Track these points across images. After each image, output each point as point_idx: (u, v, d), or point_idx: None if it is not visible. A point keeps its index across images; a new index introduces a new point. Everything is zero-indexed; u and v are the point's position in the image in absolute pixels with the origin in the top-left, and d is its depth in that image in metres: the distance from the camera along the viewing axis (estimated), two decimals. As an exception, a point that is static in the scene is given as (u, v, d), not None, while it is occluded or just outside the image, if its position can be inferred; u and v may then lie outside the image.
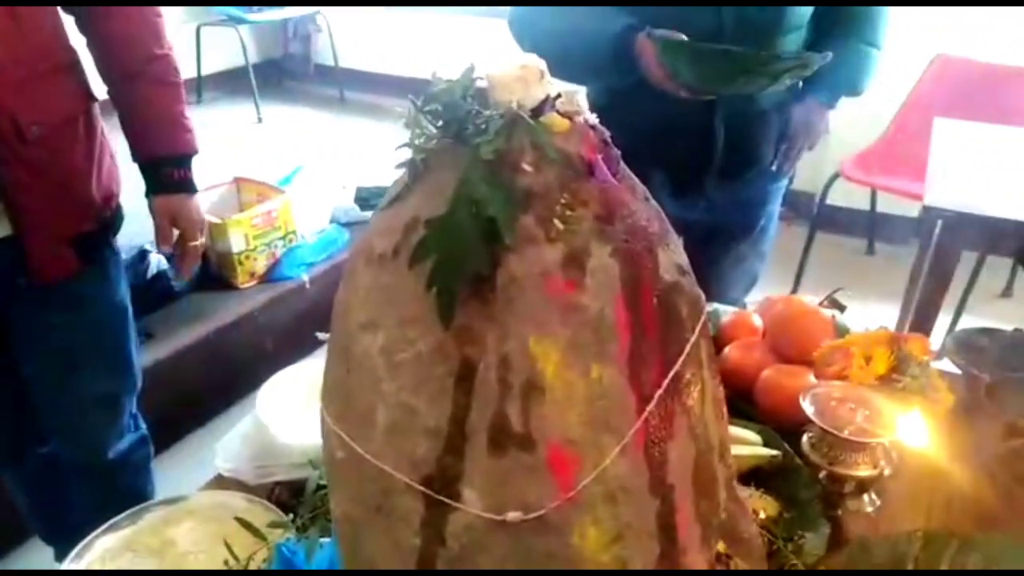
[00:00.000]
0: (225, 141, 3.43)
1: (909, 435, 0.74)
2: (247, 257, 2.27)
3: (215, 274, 2.28)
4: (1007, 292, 2.80)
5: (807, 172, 3.45)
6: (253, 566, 0.64)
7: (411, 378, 0.39)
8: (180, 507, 0.85)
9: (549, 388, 0.38)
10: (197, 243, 1.24)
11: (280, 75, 4.21)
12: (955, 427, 0.97)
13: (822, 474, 0.81)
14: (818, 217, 3.02)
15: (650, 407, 0.43)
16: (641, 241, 0.43)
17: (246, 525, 0.67)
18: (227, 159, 2.96)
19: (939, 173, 1.96)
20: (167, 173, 1.19)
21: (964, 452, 0.93)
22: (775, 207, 1.46)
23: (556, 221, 0.39)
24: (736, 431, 0.90)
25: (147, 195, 1.21)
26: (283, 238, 2.34)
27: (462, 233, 0.38)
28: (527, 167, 0.39)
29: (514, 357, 0.38)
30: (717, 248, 1.45)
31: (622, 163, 0.45)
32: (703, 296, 0.52)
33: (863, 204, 3.30)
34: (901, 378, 0.83)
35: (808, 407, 0.77)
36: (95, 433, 1.31)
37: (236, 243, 2.22)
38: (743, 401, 0.99)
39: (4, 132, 1.00)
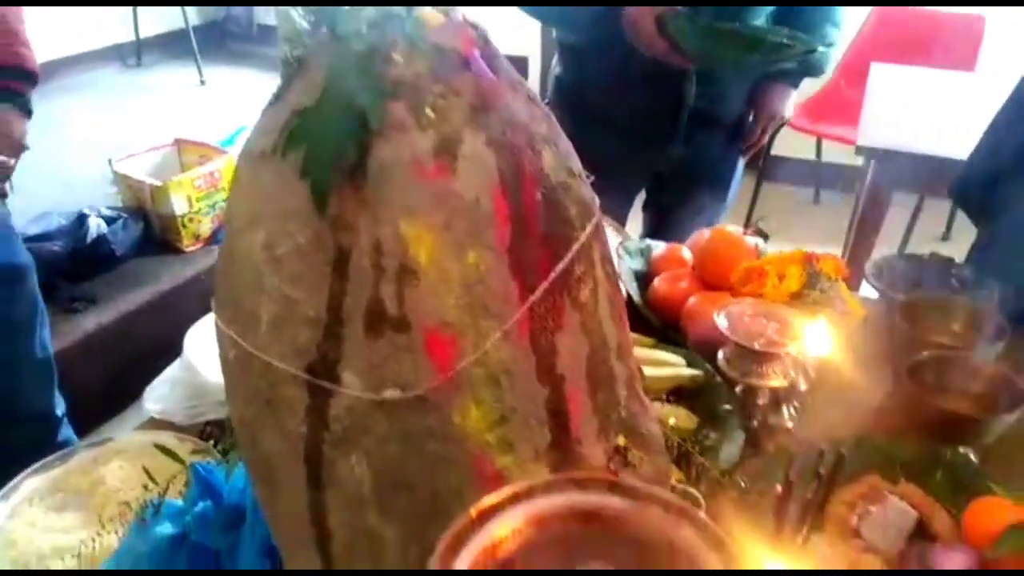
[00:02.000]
0: (167, 104, 3.33)
1: (815, 344, 0.77)
2: (191, 219, 2.23)
3: (158, 238, 2.24)
4: (946, 236, 2.89)
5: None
6: (173, 488, 0.64)
7: (291, 270, 0.40)
8: (110, 447, 0.85)
9: (423, 272, 0.39)
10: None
11: (222, 36, 4.09)
12: (871, 344, 1.03)
13: (738, 388, 0.84)
14: (766, 167, 3.06)
15: (534, 297, 0.44)
16: (521, 135, 0.44)
17: (164, 451, 0.68)
18: (168, 122, 2.89)
19: (873, 115, 2.01)
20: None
21: (878, 366, 0.99)
22: (739, 160, 1.50)
23: (428, 110, 0.39)
24: (660, 354, 0.93)
25: None
26: (227, 199, 2.31)
27: (331, 122, 0.38)
28: (398, 58, 0.40)
29: (386, 242, 0.39)
30: (682, 195, 1.48)
31: (502, 58, 0.45)
32: (596, 200, 0.53)
33: (809, 154, 3.36)
34: (812, 293, 0.86)
35: (722, 322, 0.80)
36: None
37: (179, 205, 2.18)
38: (672, 330, 1.02)
39: None
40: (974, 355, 0.93)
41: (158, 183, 2.16)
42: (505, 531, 0.31)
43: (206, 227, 2.29)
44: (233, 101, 3.35)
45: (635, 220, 1.60)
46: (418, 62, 0.40)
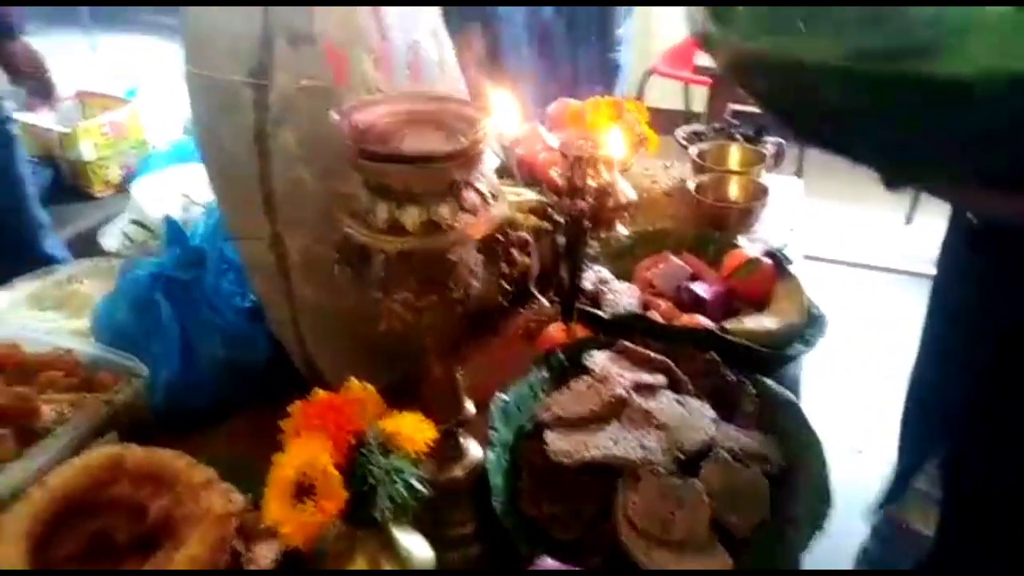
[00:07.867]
0: (60, 70, 3.35)
1: (613, 147, 1.08)
2: (100, 166, 2.34)
3: (69, 184, 2.34)
4: (799, 173, 3.33)
5: (632, 78, 3.85)
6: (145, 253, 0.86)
7: (239, 15, 0.64)
8: (82, 268, 1.05)
9: (323, 11, 0.65)
10: None
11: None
12: (676, 182, 1.37)
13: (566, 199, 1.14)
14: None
15: (387, 40, 0.70)
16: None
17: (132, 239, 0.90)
18: (66, 82, 2.93)
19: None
20: None
21: (678, 189, 1.34)
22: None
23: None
24: (520, 190, 1.21)
25: None
26: (135, 147, 2.42)
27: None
28: None
29: (298, -10, 0.64)
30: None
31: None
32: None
33: (679, 104, 3.75)
34: (618, 123, 1.17)
35: (553, 141, 1.09)
36: None
37: (87, 151, 2.29)
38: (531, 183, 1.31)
39: None
40: (742, 176, 1.26)
41: (66, 130, 2.27)
42: (375, 115, 0.56)
43: (115, 173, 2.40)
44: (128, 65, 3.40)
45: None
46: None
